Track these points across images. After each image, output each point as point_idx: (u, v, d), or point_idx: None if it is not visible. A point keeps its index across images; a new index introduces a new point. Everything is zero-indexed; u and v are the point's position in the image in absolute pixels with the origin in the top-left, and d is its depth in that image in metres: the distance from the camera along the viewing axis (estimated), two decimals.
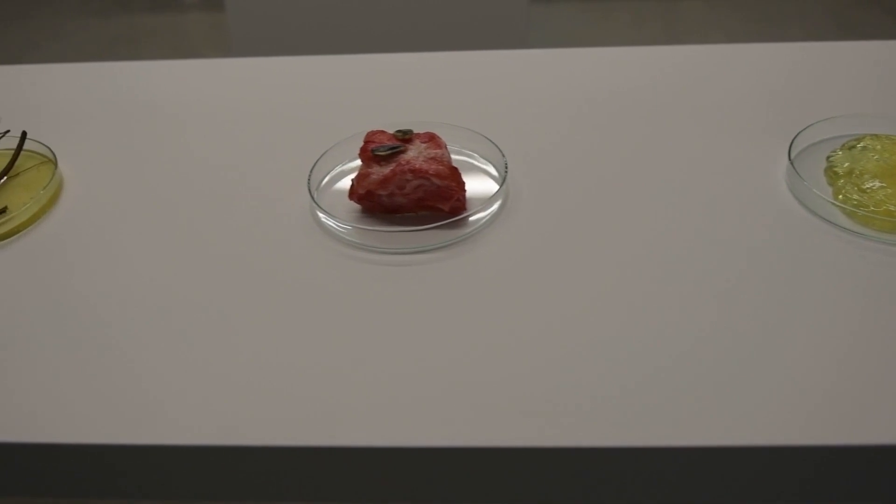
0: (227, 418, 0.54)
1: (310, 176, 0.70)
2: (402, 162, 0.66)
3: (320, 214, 0.68)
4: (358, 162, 0.73)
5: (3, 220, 0.70)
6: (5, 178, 0.74)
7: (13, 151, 0.76)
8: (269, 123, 0.82)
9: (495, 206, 0.68)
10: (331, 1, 1.43)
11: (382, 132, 0.69)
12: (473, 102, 0.83)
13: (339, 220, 0.66)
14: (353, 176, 0.70)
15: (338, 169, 0.74)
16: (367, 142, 0.68)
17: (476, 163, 0.73)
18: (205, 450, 0.54)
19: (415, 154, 0.66)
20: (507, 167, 0.69)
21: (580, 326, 0.59)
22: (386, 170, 0.66)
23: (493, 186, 0.70)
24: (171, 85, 0.90)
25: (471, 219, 0.67)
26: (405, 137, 0.68)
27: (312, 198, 0.68)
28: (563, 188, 0.71)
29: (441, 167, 0.66)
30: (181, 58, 0.97)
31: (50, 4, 2.63)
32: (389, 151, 0.66)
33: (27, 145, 0.77)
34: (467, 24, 1.46)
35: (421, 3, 1.43)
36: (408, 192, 0.66)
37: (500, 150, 0.71)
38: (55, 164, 0.75)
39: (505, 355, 0.57)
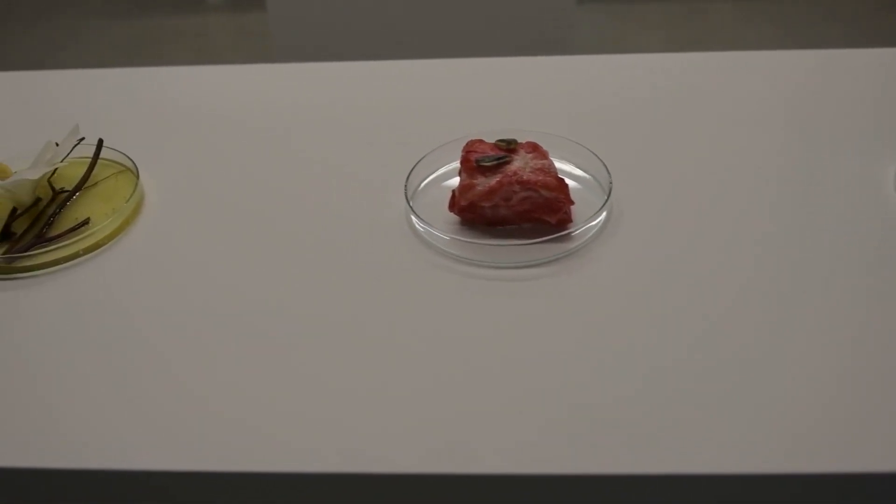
0: (321, 439, 0.52)
1: (406, 185, 0.68)
2: (509, 173, 0.63)
3: (419, 226, 0.65)
4: (446, 170, 0.71)
5: (86, 232, 0.67)
6: (83, 187, 0.72)
7: (89, 160, 0.73)
8: (344, 132, 0.79)
9: (601, 218, 0.65)
10: (368, 4, 1.40)
11: (482, 141, 0.66)
12: (555, 109, 0.80)
13: (441, 230, 0.64)
14: (448, 185, 0.68)
15: (429, 178, 0.71)
16: (467, 151, 0.66)
17: (573, 172, 0.71)
18: (295, 477, 0.51)
19: (521, 165, 0.64)
20: (611, 179, 0.67)
21: (696, 343, 0.56)
22: (492, 181, 0.63)
23: (592, 196, 0.68)
24: (247, 90, 0.87)
25: (577, 232, 0.64)
26: (509, 147, 0.65)
27: (412, 209, 0.66)
28: (666, 198, 0.68)
29: (549, 178, 0.63)
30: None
31: (69, 6, 2.60)
32: (495, 162, 0.64)
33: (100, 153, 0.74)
34: (509, 26, 1.43)
35: (463, 5, 1.40)
36: (513, 203, 0.63)
37: (600, 159, 0.69)
38: (136, 174, 0.72)
39: (616, 376, 0.55)
